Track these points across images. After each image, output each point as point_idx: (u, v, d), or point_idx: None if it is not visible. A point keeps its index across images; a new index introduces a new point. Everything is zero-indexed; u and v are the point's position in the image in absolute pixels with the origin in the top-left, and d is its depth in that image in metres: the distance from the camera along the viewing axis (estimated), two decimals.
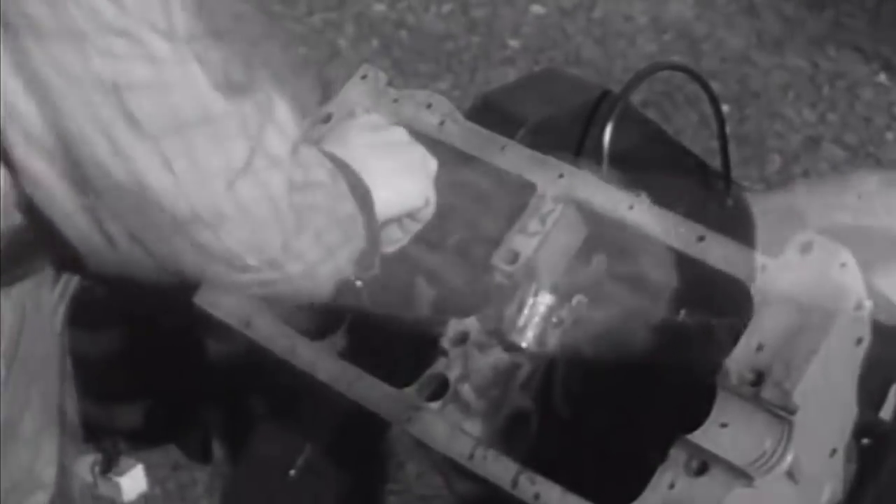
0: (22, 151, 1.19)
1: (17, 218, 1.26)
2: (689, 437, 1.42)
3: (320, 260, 1.35)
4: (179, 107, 1.20)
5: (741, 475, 1.40)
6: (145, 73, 1.18)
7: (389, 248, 1.55)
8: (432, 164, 1.58)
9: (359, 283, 1.49)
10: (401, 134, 1.57)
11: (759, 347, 1.44)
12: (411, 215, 1.55)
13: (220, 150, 1.22)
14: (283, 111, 1.29)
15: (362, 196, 1.42)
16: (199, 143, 1.21)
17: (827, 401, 1.47)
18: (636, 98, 1.92)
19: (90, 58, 1.16)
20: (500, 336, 1.59)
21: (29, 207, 1.24)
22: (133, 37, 1.16)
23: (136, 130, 1.18)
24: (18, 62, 1.16)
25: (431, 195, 1.55)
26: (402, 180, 1.52)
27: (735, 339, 1.46)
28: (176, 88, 1.19)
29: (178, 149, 1.20)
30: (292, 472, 1.88)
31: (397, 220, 1.54)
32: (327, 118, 1.77)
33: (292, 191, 1.28)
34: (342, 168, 1.42)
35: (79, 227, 1.24)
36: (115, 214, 1.22)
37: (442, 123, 1.71)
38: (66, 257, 1.30)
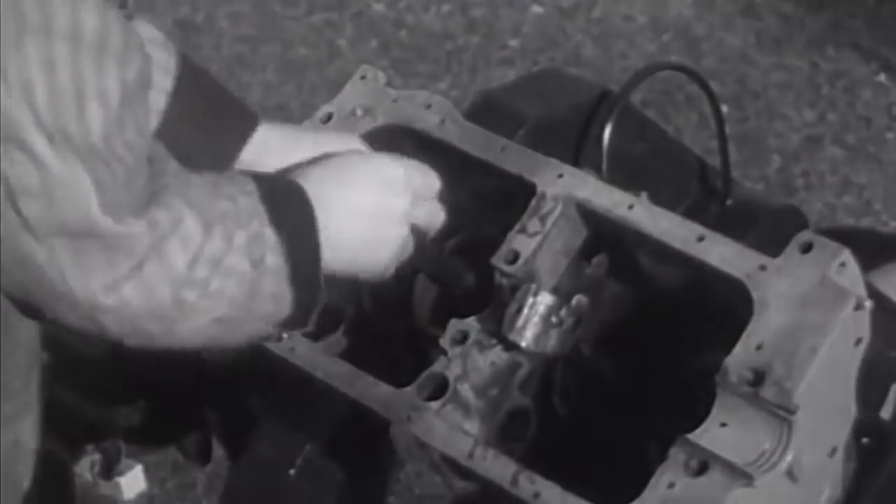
0: None
1: None
2: (689, 436, 1.42)
3: (220, 335, 1.37)
4: (66, 219, 1.22)
5: (741, 475, 1.40)
6: (36, 183, 1.19)
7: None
8: (434, 182, 1.54)
9: (284, 336, 1.50)
10: (399, 205, 1.50)
11: (759, 347, 1.44)
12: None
13: (105, 260, 1.24)
14: (189, 224, 1.29)
15: (306, 267, 1.39)
16: (85, 249, 1.23)
17: (827, 400, 1.47)
18: (636, 98, 1.92)
19: None
20: (500, 336, 1.59)
21: None
22: (30, 149, 1.18)
23: (26, 226, 1.21)
24: None
25: (389, 270, 1.52)
26: (362, 254, 1.49)
27: (735, 339, 1.46)
28: (63, 204, 1.21)
29: (65, 248, 1.23)
30: (292, 472, 1.88)
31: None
32: (327, 118, 1.77)
33: (186, 288, 1.29)
34: (298, 231, 1.38)
35: None
36: (7, 272, 1.25)
37: (442, 123, 1.72)
38: None
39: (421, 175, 1.54)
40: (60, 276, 1.24)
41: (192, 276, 1.29)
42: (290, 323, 1.42)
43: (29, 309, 1.31)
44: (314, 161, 1.52)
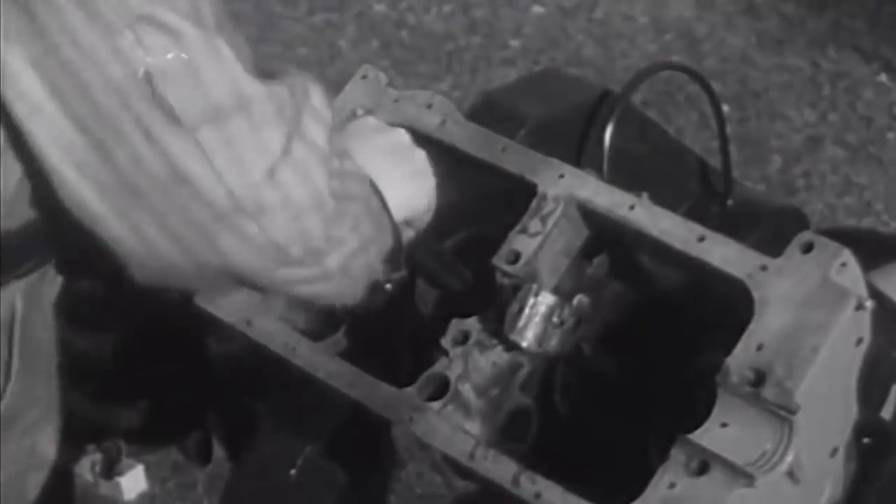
0: (51, 156, 1.17)
1: (28, 215, 1.25)
2: (690, 436, 1.42)
3: (356, 251, 1.34)
4: (214, 93, 1.18)
5: (742, 475, 1.40)
6: (176, 58, 1.16)
7: None
8: (432, 166, 1.59)
9: (387, 285, 1.49)
10: (403, 136, 1.58)
11: (760, 347, 1.44)
12: (409, 222, 1.55)
13: (257, 138, 1.21)
14: (318, 97, 1.28)
15: (381, 198, 1.42)
16: (236, 131, 1.19)
17: (828, 401, 1.47)
18: (637, 98, 1.92)
19: (119, 49, 1.15)
20: (501, 336, 1.59)
21: (42, 205, 1.23)
22: (162, 24, 1.15)
23: (173, 122, 1.17)
24: (44, 59, 1.14)
25: (433, 200, 1.56)
26: (407, 186, 1.53)
27: (736, 340, 1.46)
28: (208, 73, 1.18)
29: (216, 139, 1.18)
30: (292, 472, 1.88)
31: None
32: None
33: (331, 177, 1.27)
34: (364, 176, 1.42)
35: (113, 234, 1.22)
36: (152, 215, 1.20)
37: (442, 123, 1.71)
38: (71, 259, 1.30)
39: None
40: (217, 181, 1.19)
41: (331, 162, 1.27)
42: (391, 257, 1.43)
43: (185, 258, 1.23)
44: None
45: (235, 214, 1.21)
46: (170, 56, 1.16)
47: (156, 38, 1.15)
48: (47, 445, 1.53)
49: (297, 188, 1.24)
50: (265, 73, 1.25)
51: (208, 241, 1.23)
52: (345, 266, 1.34)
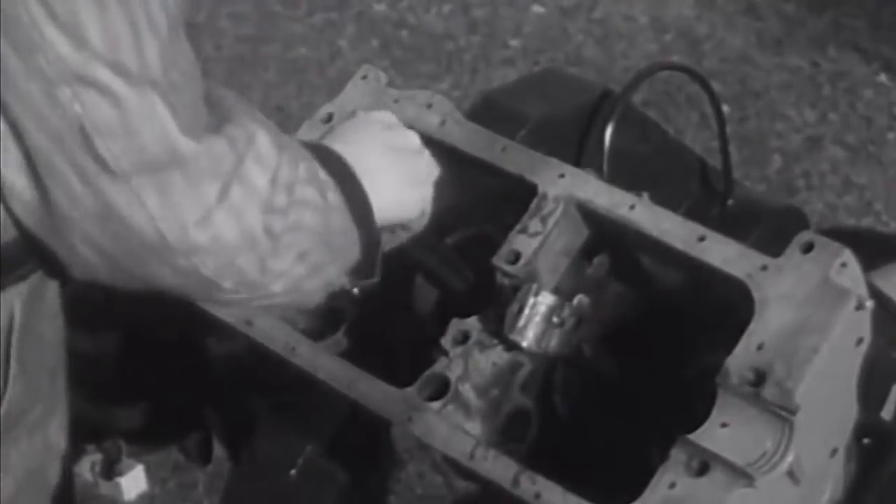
0: (3, 166, 1.20)
1: (12, 232, 1.27)
2: (690, 437, 1.42)
3: (305, 276, 1.36)
4: (147, 150, 1.20)
5: (742, 475, 1.40)
6: (111, 117, 1.18)
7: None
8: (436, 171, 1.59)
9: (355, 290, 1.50)
10: (412, 139, 1.57)
11: (760, 347, 1.44)
12: (405, 225, 1.56)
13: (191, 189, 1.23)
14: (263, 142, 1.28)
15: (360, 206, 1.42)
16: (170, 182, 1.22)
17: (827, 401, 1.47)
18: (637, 98, 1.92)
19: (57, 102, 1.17)
20: (501, 336, 1.59)
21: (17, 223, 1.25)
22: (98, 83, 1.17)
23: (107, 170, 1.19)
24: None
25: (428, 207, 1.56)
26: (403, 191, 1.52)
27: (736, 340, 1.46)
28: (142, 133, 1.20)
29: (149, 187, 1.21)
30: (292, 472, 1.88)
31: (390, 228, 1.54)
32: (328, 118, 1.77)
33: (272, 216, 1.28)
34: (343, 176, 1.41)
35: (52, 244, 1.25)
36: (86, 240, 1.23)
37: (442, 123, 1.71)
38: (56, 268, 1.31)
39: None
40: (149, 223, 1.22)
41: (273, 201, 1.28)
42: (360, 268, 1.43)
43: (118, 276, 1.27)
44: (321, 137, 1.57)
45: (166, 251, 1.24)
46: (104, 115, 1.18)
47: (92, 97, 1.17)
48: (57, 436, 1.55)
49: (229, 231, 1.26)
50: (217, 107, 1.26)
51: (141, 267, 1.26)
52: (291, 288, 1.35)
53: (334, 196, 1.38)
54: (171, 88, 1.21)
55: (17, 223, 1.25)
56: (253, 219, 1.27)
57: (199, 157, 1.22)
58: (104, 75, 1.17)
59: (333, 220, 1.37)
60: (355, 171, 1.45)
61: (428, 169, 1.57)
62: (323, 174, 1.38)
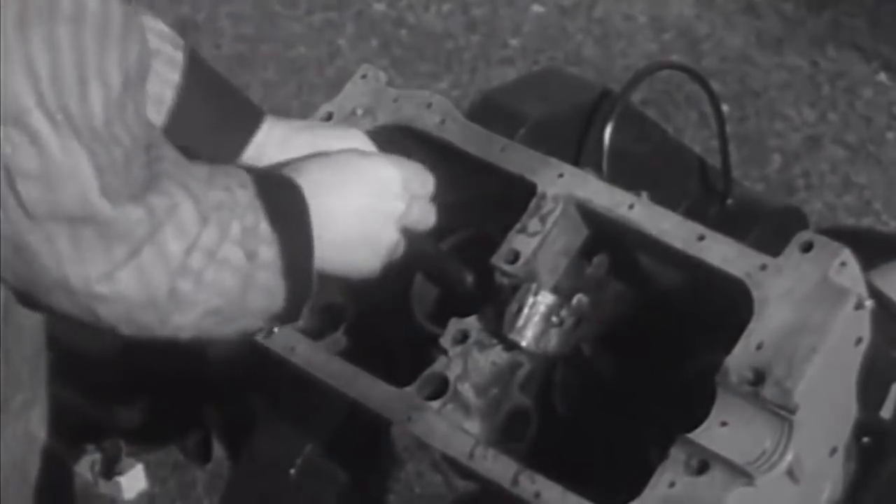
0: None
1: None
2: (690, 436, 1.42)
3: (212, 327, 1.36)
4: (64, 203, 1.21)
5: (741, 474, 1.40)
6: (36, 166, 1.19)
7: None
8: (429, 184, 1.54)
9: (275, 330, 1.51)
10: (397, 205, 1.50)
11: (759, 347, 1.44)
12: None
13: (101, 247, 1.24)
14: (186, 212, 1.28)
15: (299, 257, 1.39)
16: (82, 234, 1.23)
17: (827, 400, 1.47)
18: (636, 97, 1.92)
19: None
20: (501, 335, 1.59)
21: None
22: (30, 131, 1.18)
23: (24, 210, 1.21)
24: None
25: (377, 269, 1.52)
26: (356, 253, 1.49)
27: (735, 339, 1.46)
28: (62, 187, 1.21)
29: (61, 233, 1.22)
30: (292, 472, 1.88)
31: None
32: (328, 117, 1.77)
33: (181, 278, 1.29)
34: (293, 224, 1.38)
35: None
36: (4, 263, 1.25)
37: (442, 123, 1.71)
38: None
39: (417, 176, 1.54)
40: (56, 263, 1.24)
41: (187, 265, 1.29)
42: (282, 317, 1.43)
43: (25, 297, 1.30)
44: (311, 158, 1.52)
45: (69, 291, 1.26)
46: (30, 162, 1.19)
47: (21, 142, 1.18)
48: (38, 427, 1.55)
49: (132, 289, 1.27)
50: (132, 187, 1.25)
51: (45, 296, 1.28)
52: (196, 335, 1.36)
53: (268, 252, 1.36)
54: (108, 143, 1.21)
55: None
56: (158, 281, 1.28)
57: (114, 222, 1.24)
58: (39, 123, 1.18)
59: (258, 278, 1.36)
60: (311, 220, 1.41)
61: (390, 242, 1.51)
62: (265, 227, 1.35)
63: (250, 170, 1.40)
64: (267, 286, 1.37)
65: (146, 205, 1.26)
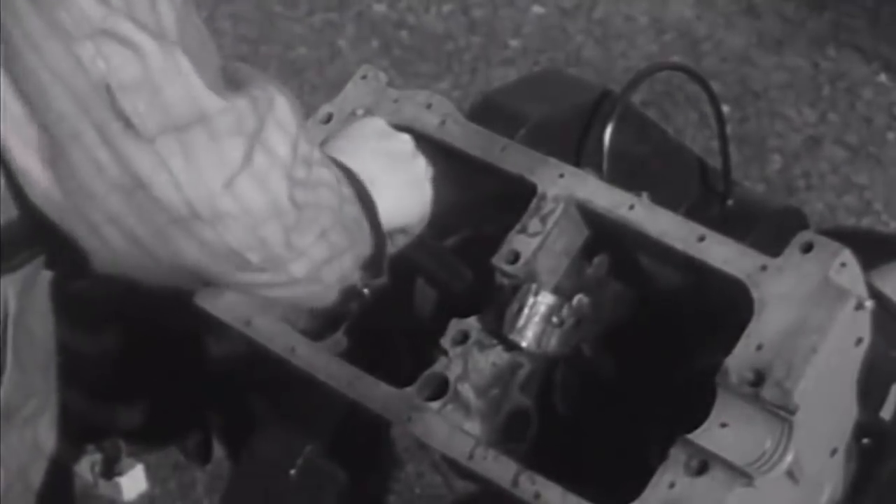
0: (18, 152, 1.19)
1: (13, 212, 1.26)
2: (689, 436, 1.42)
3: (325, 260, 1.35)
4: (172, 106, 1.19)
5: (741, 475, 1.40)
6: (135, 72, 1.17)
7: None
8: (429, 170, 1.59)
9: (365, 290, 1.49)
10: (406, 144, 1.57)
11: (759, 347, 1.44)
12: (403, 229, 1.56)
13: (216, 149, 1.21)
14: (283, 108, 1.28)
15: (367, 204, 1.42)
16: (194, 142, 1.20)
17: (827, 400, 1.47)
18: (637, 98, 1.92)
19: (80, 59, 1.16)
20: (501, 336, 1.59)
21: (24, 204, 1.24)
22: (122, 37, 1.16)
23: (131, 130, 1.18)
24: (9, 63, 1.16)
25: (428, 210, 1.56)
26: (403, 195, 1.52)
27: (735, 340, 1.46)
28: (167, 88, 1.19)
29: (173, 148, 1.19)
30: (292, 472, 1.88)
31: (388, 234, 1.55)
32: (328, 118, 1.77)
33: (295, 187, 1.27)
34: (347, 174, 1.41)
35: (76, 230, 1.23)
36: (109, 216, 1.21)
37: (442, 123, 1.71)
38: (61, 257, 1.30)
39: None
40: (175, 189, 1.20)
41: (294, 172, 1.27)
42: (370, 265, 1.43)
43: (143, 257, 1.25)
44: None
45: (192, 220, 1.23)
46: (129, 70, 1.17)
47: (115, 51, 1.16)
48: (47, 436, 1.55)
49: (255, 198, 1.24)
50: (233, 79, 1.26)
51: (165, 243, 1.24)
52: (311, 273, 1.34)
53: (347, 189, 1.37)
54: (192, 45, 1.21)
55: (32, 213, 1.23)
56: (278, 186, 1.26)
57: (223, 114, 1.21)
58: (127, 29, 1.16)
59: (347, 209, 1.37)
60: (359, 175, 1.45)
61: (425, 172, 1.57)
62: (334, 167, 1.37)
63: None
64: (356, 219, 1.38)
65: (249, 95, 1.24)
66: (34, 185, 1.21)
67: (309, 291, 1.38)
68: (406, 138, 1.59)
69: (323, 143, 1.55)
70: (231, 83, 1.27)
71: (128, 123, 1.18)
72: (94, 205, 1.21)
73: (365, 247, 1.41)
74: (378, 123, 1.61)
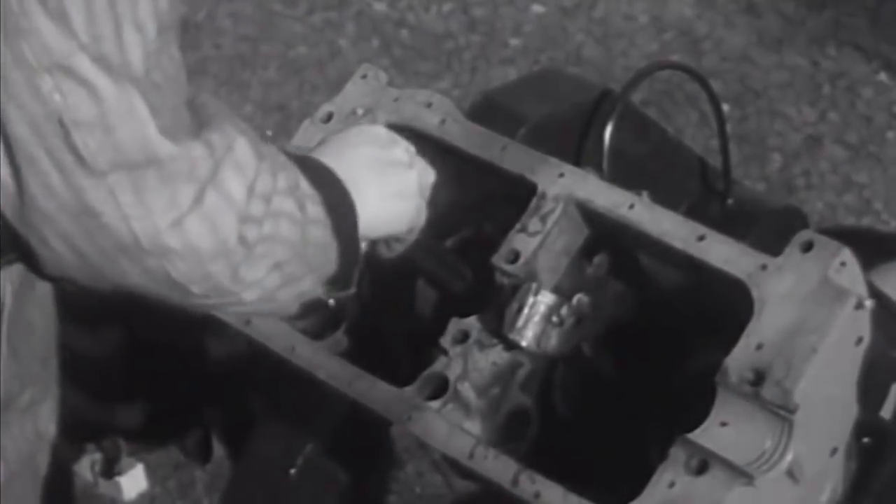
0: None
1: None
2: (690, 436, 1.42)
3: (279, 286, 1.35)
4: (124, 147, 1.20)
5: (741, 474, 1.40)
6: (90, 112, 1.18)
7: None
8: (431, 176, 1.57)
9: (331, 301, 1.50)
10: (403, 152, 1.55)
11: (759, 347, 1.44)
12: (398, 237, 1.55)
13: (166, 192, 1.23)
14: (243, 149, 1.28)
15: (343, 218, 1.41)
16: (145, 182, 1.21)
17: (827, 400, 1.47)
18: (637, 97, 1.92)
19: (39, 90, 1.17)
20: (501, 335, 1.59)
21: None
22: (80, 76, 1.17)
23: (83, 164, 1.20)
24: None
25: (421, 219, 1.55)
26: (392, 205, 1.51)
27: (735, 339, 1.46)
28: (120, 130, 1.20)
29: (124, 184, 1.21)
30: (292, 471, 1.88)
31: (384, 240, 1.54)
32: (328, 117, 1.77)
33: (247, 225, 1.28)
34: (329, 187, 1.40)
35: (28, 237, 1.25)
36: (59, 234, 1.23)
37: (442, 123, 1.71)
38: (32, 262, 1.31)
39: (401, 138, 1.58)
40: (123, 221, 1.22)
41: (249, 210, 1.27)
42: (337, 280, 1.42)
43: (90, 272, 1.27)
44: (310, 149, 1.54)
45: (138, 251, 1.24)
46: (83, 108, 1.18)
47: (72, 89, 1.18)
48: (48, 424, 1.55)
49: (203, 237, 1.25)
50: (199, 114, 1.26)
51: (111, 265, 1.26)
52: (264, 297, 1.35)
53: (314, 209, 1.37)
54: (152, 88, 1.21)
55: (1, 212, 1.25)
56: (228, 227, 1.27)
57: (176, 160, 1.22)
58: (86, 67, 1.17)
59: (311, 233, 1.36)
60: (343, 182, 1.44)
61: (420, 181, 1.55)
62: (305, 185, 1.37)
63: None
64: (321, 242, 1.37)
65: (205, 140, 1.25)
66: (1, 188, 1.22)
67: (263, 309, 1.39)
68: (405, 146, 1.57)
69: (320, 143, 1.55)
70: (196, 117, 1.27)
71: (80, 158, 1.19)
72: (44, 220, 1.23)
73: (329, 267, 1.41)
74: (378, 131, 1.58)
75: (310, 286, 1.40)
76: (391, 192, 1.51)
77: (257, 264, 1.31)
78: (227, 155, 1.26)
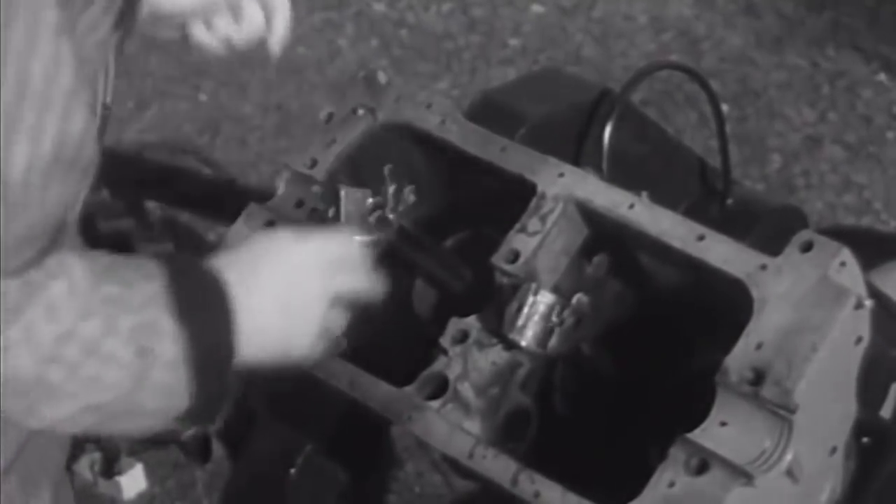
0: None
1: None
2: (689, 435, 1.42)
3: (97, 424, 1.30)
4: None
5: (741, 474, 1.40)
6: None
7: None
8: (358, 250, 1.47)
9: (190, 431, 1.44)
10: (313, 287, 1.41)
11: (759, 346, 1.44)
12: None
13: None
14: (60, 295, 1.23)
15: (209, 354, 1.32)
16: None
17: (827, 400, 1.47)
18: (636, 97, 1.92)
19: None
20: (501, 335, 1.59)
21: None
22: None
23: None
24: None
25: (316, 348, 1.43)
26: (284, 340, 1.40)
27: (735, 339, 1.46)
28: None
29: None
30: (293, 470, 1.88)
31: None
32: (329, 118, 1.77)
33: (51, 366, 1.23)
34: (203, 320, 1.32)
35: None
36: None
37: (442, 123, 1.72)
38: None
39: (337, 247, 1.45)
40: None
41: (59, 353, 1.23)
42: (192, 415, 1.35)
43: None
44: (231, 250, 1.43)
45: None
46: None
47: None
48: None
49: None
50: (12, 260, 1.20)
51: None
52: (81, 429, 1.31)
53: (169, 349, 1.29)
54: (15, 206, 1.16)
55: None
56: (23, 365, 1.22)
57: None
58: None
59: (153, 376, 1.29)
60: (232, 311, 1.33)
61: (317, 321, 1.42)
62: (167, 323, 1.28)
63: (169, 259, 1.33)
64: (165, 384, 1.30)
65: (24, 279, 1.21)
66: None
67: (89, 432, 1.35)
68: (313, 282, 1.41)
69: (240, 249, 1.42)
70: (14, 256, 1.21)
71: None
72: None
73: (176, 406, 1.32)
74: (295, 257, 1.42)
75: (147, 423, 1.34)
76: (286, 325, 1.40)
77: (63, 404, 1.26)
78: (41, 292, 1.21)
